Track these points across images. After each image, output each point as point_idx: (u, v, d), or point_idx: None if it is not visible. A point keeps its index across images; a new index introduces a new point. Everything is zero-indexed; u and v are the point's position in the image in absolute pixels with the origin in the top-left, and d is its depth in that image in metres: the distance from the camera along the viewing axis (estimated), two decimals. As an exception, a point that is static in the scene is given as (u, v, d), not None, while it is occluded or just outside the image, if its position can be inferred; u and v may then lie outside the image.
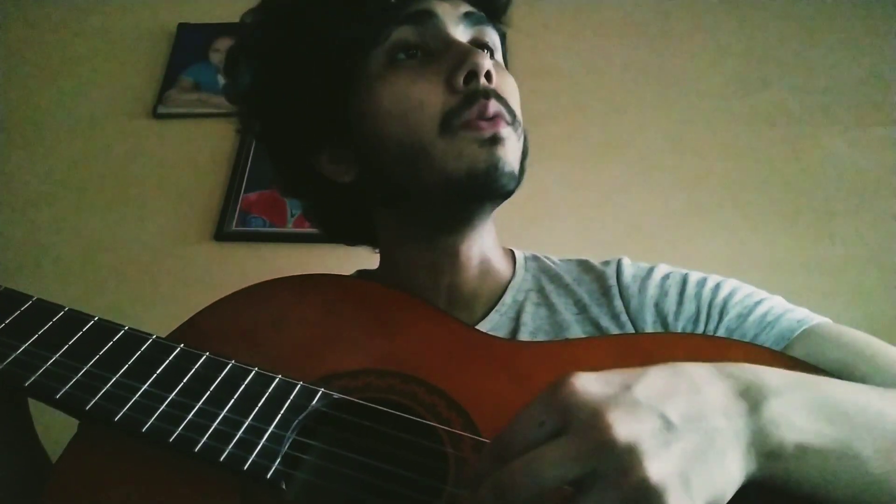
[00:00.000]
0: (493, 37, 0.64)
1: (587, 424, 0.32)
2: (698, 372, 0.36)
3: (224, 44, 1.82)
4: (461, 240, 0.62)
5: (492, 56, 0.63)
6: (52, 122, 1.73)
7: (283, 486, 0.42)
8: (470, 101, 0.55)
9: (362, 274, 0.74)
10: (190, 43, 1.83)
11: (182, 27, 1.85)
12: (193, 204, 1.60)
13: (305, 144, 0.64)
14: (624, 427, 0.31)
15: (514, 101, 0.60)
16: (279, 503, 0.41)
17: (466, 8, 0.61)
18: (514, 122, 0.58)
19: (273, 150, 0.69)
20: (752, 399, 0.35)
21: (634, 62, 1.70)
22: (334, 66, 0.59)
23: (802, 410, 0.36)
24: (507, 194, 0.58)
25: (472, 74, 0.56)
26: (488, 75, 0.57)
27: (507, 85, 0.60)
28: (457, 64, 0.56)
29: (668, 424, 0.32)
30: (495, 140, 0.55)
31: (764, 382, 0.36)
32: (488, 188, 0.55)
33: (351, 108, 0.60)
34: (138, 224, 1.58)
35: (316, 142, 0.63)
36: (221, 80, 1.77)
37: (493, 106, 0.56)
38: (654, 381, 0.35)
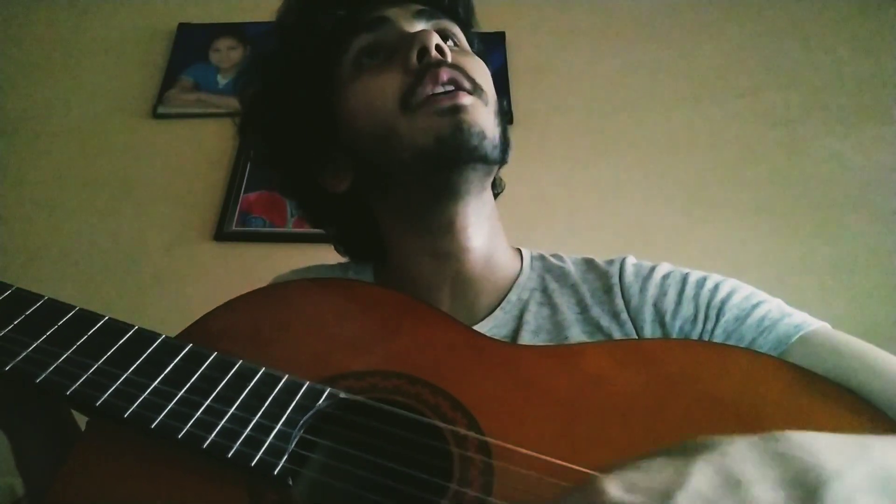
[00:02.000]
0: (452, 27, 0.67)
1: None
2: (746, 460, 0.33)
3: (224, 44, 1.82)
4: (455, 217, 0.62)
5: (455, 44, 0.66)
6: (52, 122, 1.73)
7: (290, 483, 0.42)
8: (422, 74, 0.58)
9: (377, 265, 0.74)
10: (190, 43, 1.83)
11: (182, 27, 1.86)
12: (193, 204, 1.60)
13: (312, 168, 0.68)
14: None
15: (478, 74, 0.62)
16: (286, 500, 0.41)
17: (419, 7, 0.65)
18: (475, 90, 0.60)
19: (292, 189, 0.74)
20: (810, 488, 0.31)
21: (634, 62, 1.71)
22: (313, 85, 0.65)
23: (866, 490, 0.32)
24: (484, 157, 0.58)
25: (424, 51, 0.59)
26: (440, 50, 0.59)
27: (468, 61, 0.63)
28: (408, 47, 0.60)
29: None
30: (456, 109, 0.57)
31: (821, 463, 0.32)
32: (459, 150, 0.57)
33: (336, 118, 0.64)
34: (138, 224, 1.58)
35: (317, 161, 0.68)
36: (221, 80, 1.78)
37: (445, 72, 0.58)
38: (699, 486, 0.31)
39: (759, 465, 0.32)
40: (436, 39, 0.59)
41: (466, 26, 0.71)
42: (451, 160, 0.57)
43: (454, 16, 0.69)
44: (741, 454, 0.33)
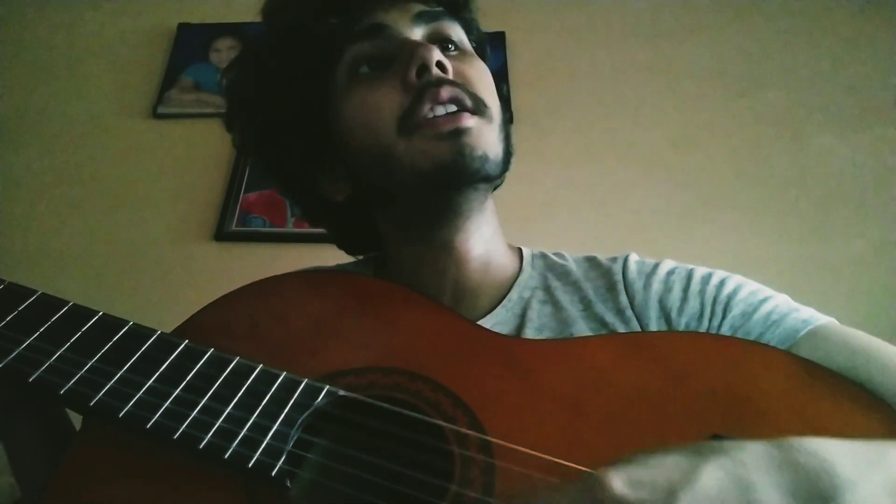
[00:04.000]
0: (453, 28, 0.64)
1: None
2: (757, 466, 0.32)
3: (224, 44, 1.82)
4: (455, 232, 0.62)
5: (456, 48, 0.63)
6: (52, 122, 1.73)
7: (288, 484, 0.41)
8: (421, 93, 0.55)
9: (379, 259, 0.74)
10: (190, 43, 1.83)
11: (182, 27, 1.86)
12: (193, 204, 1.60)
13: (306, 172, 0.66)
14: None
15: (481, 86, 0.60)
16: (284, 502, 0.41)
17: (418, 8, 0.62)
18: (478, 107, 0.57)
19: (284, 185, 0.72)
20: (824, 495, 0.30)
21: (634, 62, 1.71)
22: (305, 93, 0.61)
23: (882, 500, 0.31)
24: (486, 178, 0.57)
25: (424, 68, 0.56)
26: (440, 66, 0.57)
27: (471, 70, 0.60)
28: (407, 62, 0.57)
29: None
30: (457, 133, 0.55)
31: (835, 472, 0.31)
32: (460, 175, 0.55)
33: (330, 127, 0.62)
34: (138, 224, 1.58)
35: (313, 166, 0.66)
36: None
37: (446, 91, 0.55)
38: (705, 487, 0.30)
39: (770, 471, 0.31)
40: (436, 56, 0.56)
41: (466, 20, 0.68)
42: (451, 184, 0.56)
43: (454, 11, 0.66)
44: (753, 460, 0.32)
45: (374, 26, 0.59)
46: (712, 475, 0.31)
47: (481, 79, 0.61)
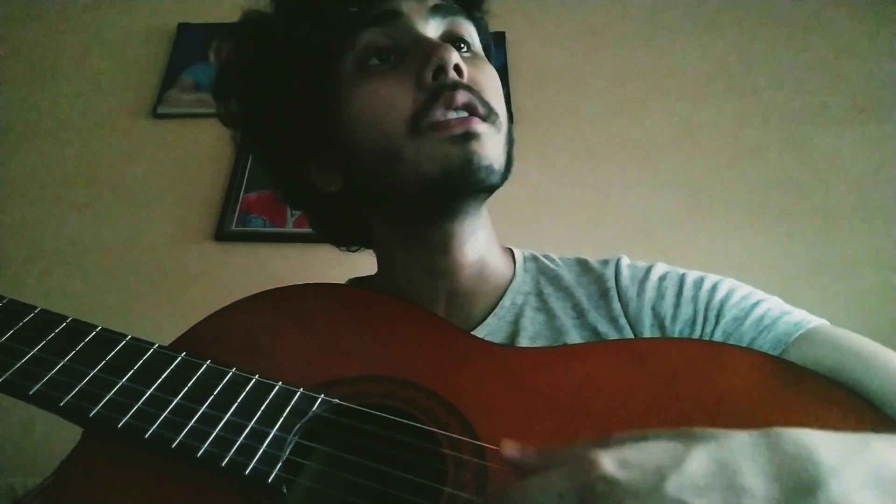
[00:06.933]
0: (467, 28, 0.63)
1: None
2: (744, 452, 0.32)
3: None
4: (451, 237, 0.61)
5: (468, 49, 0.62)
6: (52, 122, 1.73)
7: (284, 491, 0.42)
8: (436, 95, 0.54)
9: (356, 282, 0.73)
10: (190, 43, 1.83)
11: (182, 27, 1.86)
12: (193, 204, 1.60)
13: (294, 155, 0.65)
14: None
15: (492, 93, 0.59)
16: None
17: (434, 1, 0.60)
18: (489, 115, 0.56)
19: (267, 164, 0.69)
20: (807, 482, 0.31)
21: (634, 62, 1.71)
22: (308, 76, 0.60)
23: (863, 489, 0.31)
24: (489, 188, 0.56)
25: (440, 70, 0.55)
26: (458, 69, 0.56)
27: (483, 76, 0.59)
28: (424, 61, 0.55)
29: None
30: (468, 136, 0.54)
31: (819, 460, 0.32)
32: (465, 183, 0.54)
33: (329, 116, 0.60)
34: (138, 224, 1.58)
35: (303, 152, 0.64)
36: (221, 80, 1.78)
37: (461, 96, 0.54)
38: (692, 471, 0.31)
39: (756, 458, 0.32)
40: (455, 58, 0.55)
41: (478, 20, 0.67)
42: (455, 192, 0.56)
43: (469, 9, 0.65)
44: (739, 446, 0.33)
45: (388, 12, 0.58)
46: (700, 459, 0.32)
47: (492, 85, 0.60)
